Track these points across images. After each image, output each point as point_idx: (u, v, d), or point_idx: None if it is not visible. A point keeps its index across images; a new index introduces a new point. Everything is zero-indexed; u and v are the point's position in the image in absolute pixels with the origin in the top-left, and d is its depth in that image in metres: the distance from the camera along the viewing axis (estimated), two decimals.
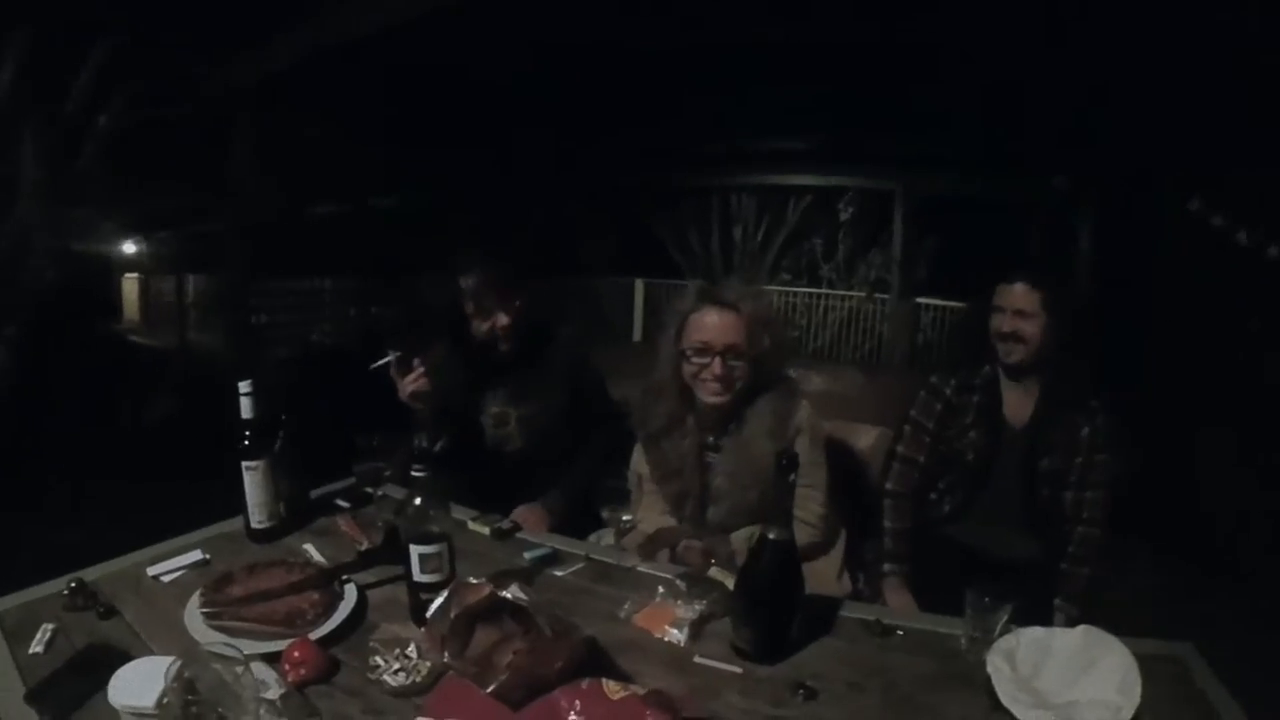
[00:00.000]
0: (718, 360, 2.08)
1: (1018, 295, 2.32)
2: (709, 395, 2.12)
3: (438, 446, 2.36)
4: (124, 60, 5.13)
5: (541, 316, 2.65)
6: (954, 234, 9.10)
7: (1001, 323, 2.34)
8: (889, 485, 2.52)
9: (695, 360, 2.12)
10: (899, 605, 2.30)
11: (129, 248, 10.90)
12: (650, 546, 2.10)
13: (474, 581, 1.36)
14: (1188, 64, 4.88)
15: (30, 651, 1.42)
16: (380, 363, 2.37)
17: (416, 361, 2.37)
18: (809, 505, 2.14)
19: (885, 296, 10.09)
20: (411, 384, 2.35)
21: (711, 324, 2.12)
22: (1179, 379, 5.36)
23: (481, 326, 2.49)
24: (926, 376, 2.59)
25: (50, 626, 1.48)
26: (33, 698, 1.28)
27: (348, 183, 9.19)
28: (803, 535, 1.99)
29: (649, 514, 2.30)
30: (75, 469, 4.87)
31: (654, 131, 8.19)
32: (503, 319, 2.48)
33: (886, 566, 2.42)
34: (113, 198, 7.00)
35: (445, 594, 1.34)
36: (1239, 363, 4.84)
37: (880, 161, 9.10)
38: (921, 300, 9.87)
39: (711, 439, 2.23)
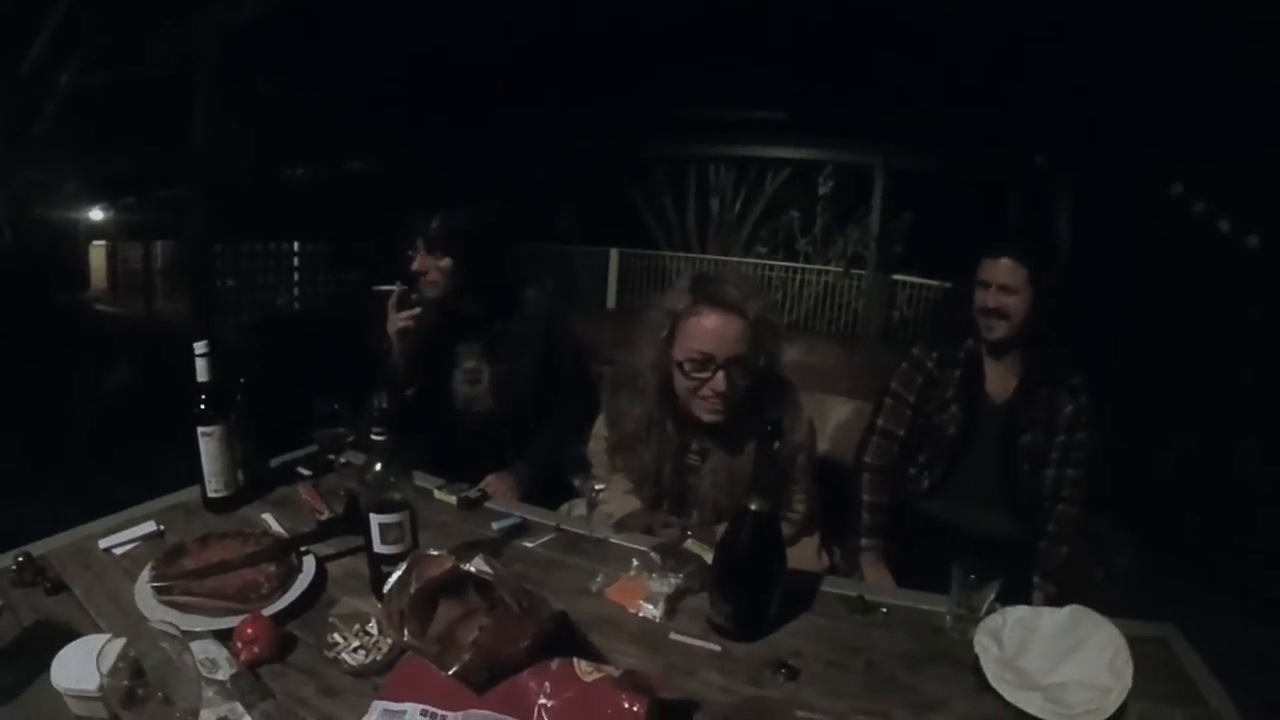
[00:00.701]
0: (720, 375, 1.85)
1: (1003, 270, 2.29)
2: (706, 413, 1.91)
3: (406, 396, 2.41)
4: (81, 19, 4.99)
5: (516, 277, 2.63)
6: (932, 210, 9.14)
7: (986, 298, 2.31)
8: (867, 459, 2.49)
9: (694, 375, 1.88)
10: (876, 580, 2.29)
11: (95, 214, 10.72)
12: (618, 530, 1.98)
13: (434, 553, 1.28)
14: (1173, 47, 4.87)
15: None
16: (385, 287, 2.38)
17: (415, 298, 2.39)
18: (796, 505, 2.09)
19: (861, 272, 10.09)
20: (403, 320, 2.36)
21: (713, 330, 1.85)
22: (1157, 361, 5.38)
23: (421, 273, 2.45)
24: (905, 350, 2.57)
25: None
26: None
27: (316, 145, 9.07)
28: (786, 528, 1.86)
29: (614, 493, 2.10)
30: (34, 441, 4.78)
31: (630, 99, 8.13)
32: (433, 270, 2.44)
33: (864, 541, 2.40)
34: (75, 161, 6.87)
35: (402, 567, 1.26)
36: (1219, 346, 4.85)
37: (860, 136, 9.09)
38: (898, 277, 9.89)
39: (695, 444, 2.06)
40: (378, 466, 1.47)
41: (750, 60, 6.79)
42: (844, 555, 2.41)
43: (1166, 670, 1.38)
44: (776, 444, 1.41)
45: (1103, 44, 5.12)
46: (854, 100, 7.74)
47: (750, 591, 1.46)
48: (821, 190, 10.19)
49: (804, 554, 2.12)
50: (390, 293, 2.37)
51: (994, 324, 2.30)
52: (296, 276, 10.21)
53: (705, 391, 1.87)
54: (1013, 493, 2.39)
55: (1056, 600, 2.08)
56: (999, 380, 2.39)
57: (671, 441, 2.03)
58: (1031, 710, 1.22)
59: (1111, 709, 1.21)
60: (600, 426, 2.21)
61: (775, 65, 6.91)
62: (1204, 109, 5.04)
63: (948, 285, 8.07)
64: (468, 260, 2.44)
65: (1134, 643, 1.30)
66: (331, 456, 2.16)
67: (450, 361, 2.58)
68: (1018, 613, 1.42)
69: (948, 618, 1.50)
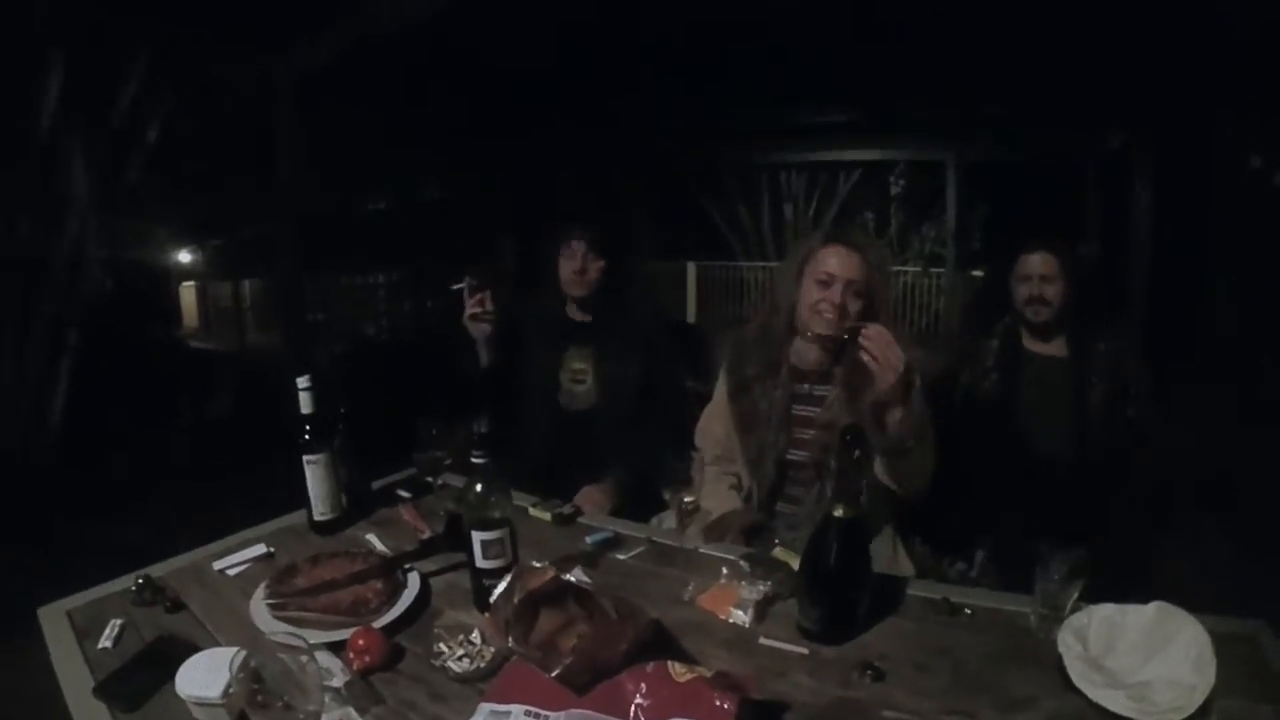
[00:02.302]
0: (838, 288, 2.08)
1: (1038, 263, 2.54)
2: (823, 327, 2.09)
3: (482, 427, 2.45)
4: (164, 69, 5.21)
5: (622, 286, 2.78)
6: (1008, 202, 8.92)
7: (1029, 290, 2.55)
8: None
9: (818, 293, 2.11)
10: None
11: (184, 256, 11.11)
12: (716, 530, 2.11)
13: (537, 565, 1.36)
14: (1238, 14, 4.72)
15: (99, 646, 1.45)
16: (458, 285, 2.49)
17: (482, 285, 2.49)
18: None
19: (940, 270, 9.91)
20: (475, 305, 2.48)
21: (836, 258, 2.11)
22: (1242, 346, 5.20)
23: (567, 269, 2.63)
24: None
25: (119, 622, 1.52)
26: (102, 691, 1.31)
27: (394, 175, 9.25)
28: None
29: (713, 494, 2.29)
30: (141, 472, 4.99)
31: (697, 108, 8.10)
32: (580, 264, 2.61)
33: None
34: (166, 206, 7.15)
35: (508, 579, 1.33)
36: None
37: (930, 132, 8.92)
38: (977, 273, 9.68)
39: (806, 387, 2.22)
40: (478, 487, 1.53)
41: (815, 63, 6.74)
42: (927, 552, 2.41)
43: (1254, 667, 1.35)
44: (858, 452, 1.43)
45: (1166, 15, 4.97)
46: (921, 96, 7.60)
47: (837, 596, 1.48)
48: (894, 190, 10.05)
49: (886, 556, 2.16)
50: (462, 290, 2.48)
51: (1039, 309, 2.54)
52: (383, 306, 10.43)
53: (824, 305, 2.09)
54: (1082, 443, 2.52)
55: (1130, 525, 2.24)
56: (1041, 346, 2.62)
57: (784, 386, 2.20)
58: (1116, 709, 1.21)
59: (1195, 706, 1.20)
60: (718, 393, 2.39)
61: (840, 66, 6.83)
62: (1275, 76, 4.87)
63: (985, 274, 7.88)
64: (620, 262, 2.71)
65: (1221, 639, 1.28)
66: (430, 479, 2.24)
67: (557, 362, 2.69)
68: (1103, 611, 1.40)
69: (1032, 618, 1.49)
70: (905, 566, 2.19)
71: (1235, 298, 5.57)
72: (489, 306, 2.48)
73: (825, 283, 2.10)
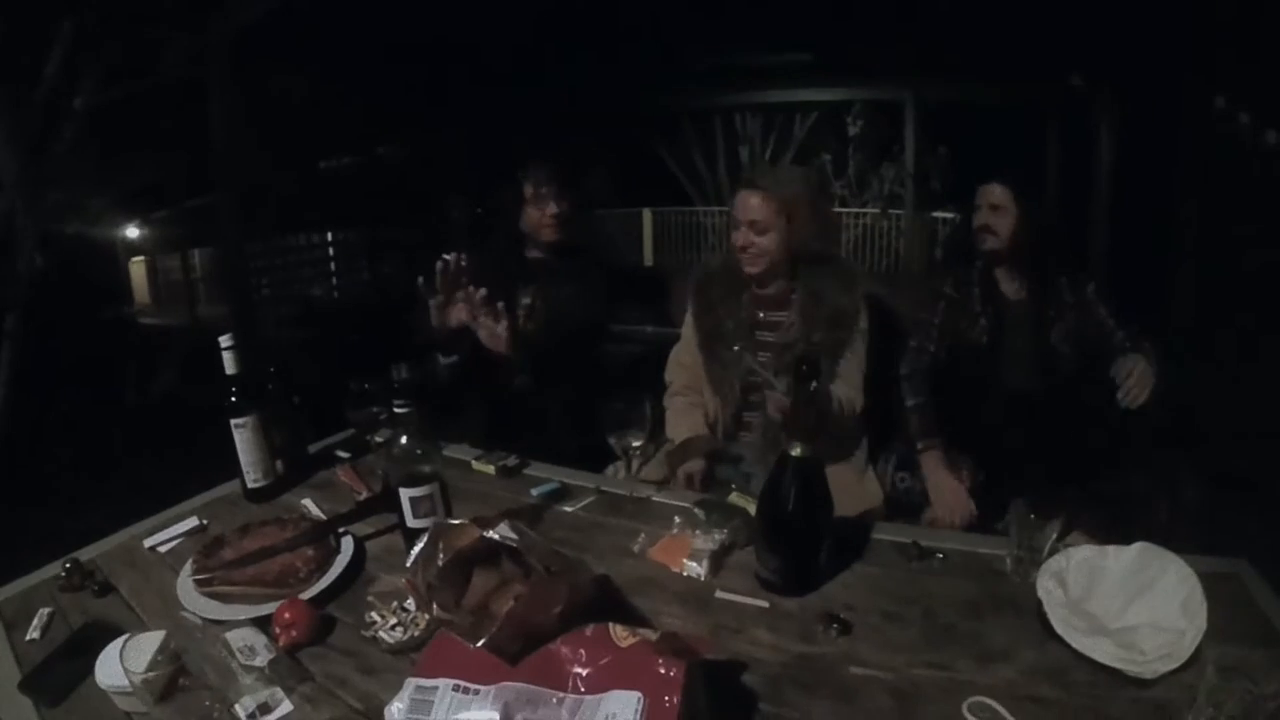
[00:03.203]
0: (743, 230, 2.27)
1: (989, 194, 2.53)
2: (746, 266, 2.31)
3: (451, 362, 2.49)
4: (90, 37, 5.02)
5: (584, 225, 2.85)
6: (969, 143, 8.90)
7: (979, 218, 2.54)
8: (902, 370, 2.59)
9: (735, 236, 2.31)
10: (938, 483, 2.35)
11: (130, 231, 10.90)
12: (680, 454, 2.30)
13: (456, 523, 1.25)
14: None
15: (27, 638, 1.38)
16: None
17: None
18: (853, 376, 2.31)
19: (900, 212, 9.90)
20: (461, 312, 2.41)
21: (741, 203, 2.29)
22: (1214, 286, 5.20)
23: (535, 214, 2.63)
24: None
25: (47, 611, 1.46)
26: (26, 685, 1.25)
27: (339, 135, 9.10)
28: (848, 398, 2.26)
29: (681, 423, 2.46)
30: (83, 455, 4.89)
31: (648, 52, 8.00)
32: (554, 207, 2.61)
33: (919, 445, 2.46)
34: (100, 179, 6.95)
35: (423, 539, 1.22)
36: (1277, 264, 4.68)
37: (887, 71, 8.88)
38: (937, 214, 9.68)
39: (762, 314, 2.39)
40: (403, 440, 1.46)
41: (770, 2, 6.65)
42: (907, 476, 2.51)
43: (1240, 608, 1.30)
44: (814, 384, 1.35)
45: None
46: (877, 35, 7.56)
47: (797, 543, 1.41)
48: (852, 131, 9.94)
49: (848, 484, 2.26)
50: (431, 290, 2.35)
51: (985, 238, 2.51)
52: (333, 266, 10.33)
53: (739, 246, 2.29)
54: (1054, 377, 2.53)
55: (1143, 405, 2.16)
56: (1010, 289, 2.58)
57: (748, 309, 2.40)
58: (1101, 658, 1.16)
59: (1187, 653, 1.14)
60: (687, 322, 2.56)
61: (795, 5, 6.75)
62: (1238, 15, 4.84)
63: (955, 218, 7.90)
64: (581, 203, 2.75)
65: (1205, 579, 1.23)
66: (368, 437, 2.15)
67: (514, 303, 2.65)
68: (1082, 553, 1.35)
69: (1008, 561, 1.44)
70: (873, 489, 2.35)
71: (1201, 236, 5.58)
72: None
73: (736, 225, 2.30)
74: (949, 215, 9.40)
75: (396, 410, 1.45)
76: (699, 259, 10.60)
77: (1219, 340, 4.74)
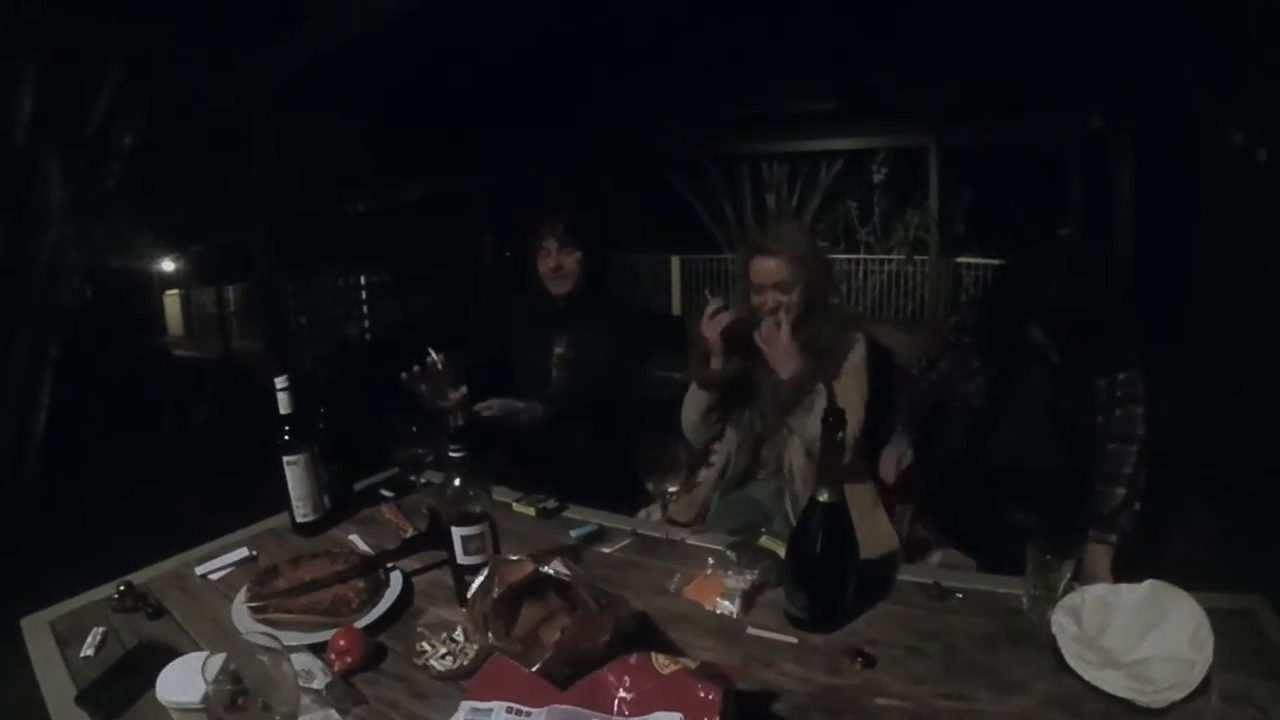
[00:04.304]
0: (768, 293, 2.31)
1: (1068, 246, 2.35)
2: (775, 326, 2.27)
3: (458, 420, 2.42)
4: (138, 77, 5.19)
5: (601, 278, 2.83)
6: (991, 186, 8.94)
7: (1054, 300, 2.29)
8: (899, 402, 2.60)
9: (755, 300, 2.34)
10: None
11: (167, 264, 11.10)
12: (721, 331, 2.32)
13: (514, 559, 1.33)
14: None
15: (81, 655, 1.44)
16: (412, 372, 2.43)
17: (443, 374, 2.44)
18: (854, 406, 2.24)
19: (924, 257, 9.90)
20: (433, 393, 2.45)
21: (757, 267, 2.34)
22: (1231, 319, 5.21)
23: (542, 265, 2.70)
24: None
25: (100, 630, 1.51)
26: (83, 699, 1.29)
27: (372, 176, 9.24)
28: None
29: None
30: (123, 479, 4.97)
31: (677, 100, 8.09)
32: (555, 260, 2.68)
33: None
34: (143, 214, 7.13)
35: (484, 573, 1.31)
36: None
37: (910, 118, 8.94)
38: (962, 259, 9.68)
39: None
40: (457, 482, 1.52)
41: (793, 52, 6.73)
42: (924, 528, 2.47)
43: (1252, 641, 1.34)
44: (840, 435, 1.42)
45: None
46: (902, 82, 7.63)
47: (824, 582, 1.47)
48: (876, 177, 10.01)
49: (871, 529, 2.21)
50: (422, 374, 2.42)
51: (1057, 304, 2.28)
52: (365, 308, 10.43)
53: (762, 309, 2.32)
54: (1069, 444, 2.37)
55: (1117, 549, 2.12)
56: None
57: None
58: (1112, 689, 1.20)
59: (1195, 683, 1.18)
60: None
61: (818, 55, 6.84)
62: (1251, 53, 4.87)
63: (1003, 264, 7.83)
64: (596, 253, 2.76)
65: (1218, 614, 1.28)
66: (412, 477, 2.20)
67: (547, 348, 2.75)
68: (1096, 590, 1.40)
69: (1025, 599, 1.49)
70: (885, 530, 2.30)
71: (1219, 275, 5.58)
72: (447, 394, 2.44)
73: (760, 290, 2.33)
74: (975, 261, 9.42)
75: (451, 454, 1.52)
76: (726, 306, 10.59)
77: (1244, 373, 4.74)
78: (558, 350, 2.76)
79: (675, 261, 11.57)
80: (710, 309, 2.35)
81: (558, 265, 2.69)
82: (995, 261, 9.16)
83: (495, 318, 2.74)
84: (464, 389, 2.42)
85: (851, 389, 2.27)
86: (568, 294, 2.73)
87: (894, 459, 2.46)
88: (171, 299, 12.47)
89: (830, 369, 2.26)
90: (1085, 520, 2.23)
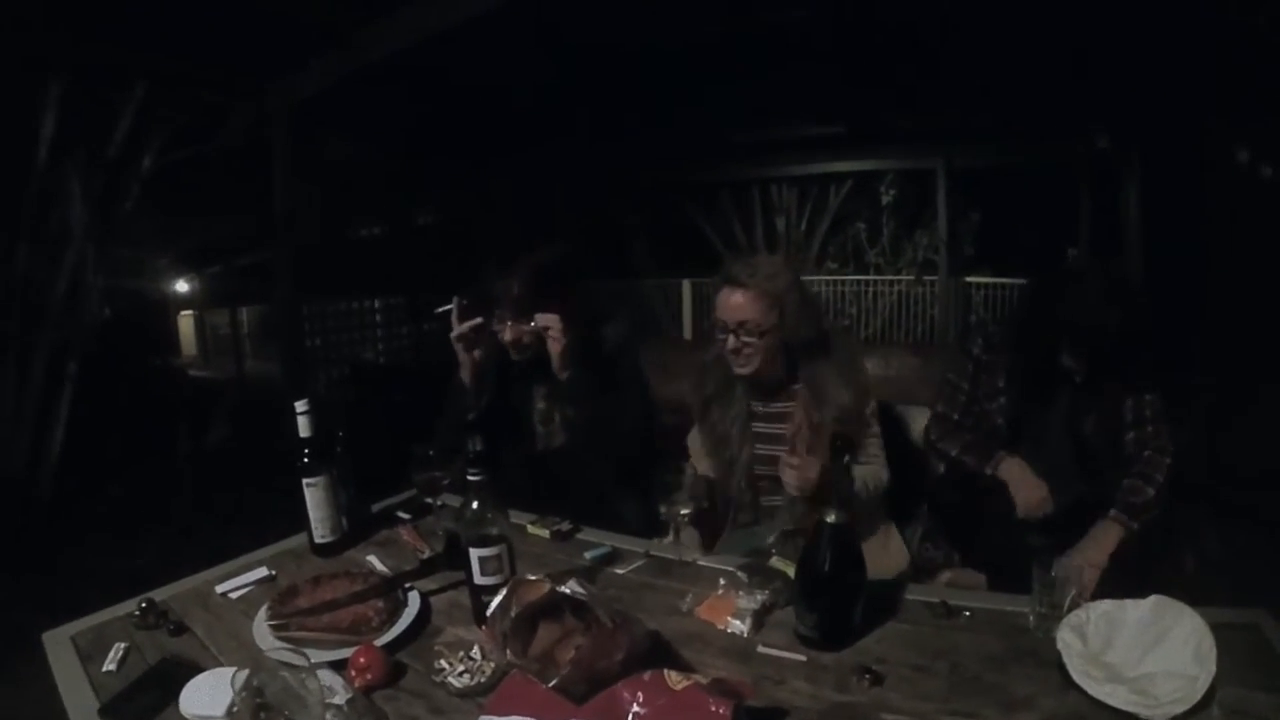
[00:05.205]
0: (731, 336, 2.18)
1: (1105, 267, 2.38)
2: (735, 367, 2.23)
3: (469, 421, 2.41)
4: (159, 101, 5.28)
5: (589, 318, 2.55)
6: (999, 207, 8.96)
7: (1093, 317, 2.23)
8: (932, 436, 2.53)
9: (719, 335, 2.23)
10: (1019, 479, 2.29)
11: (182, 285, 11.20)
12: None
13: (532, 579, 1.37)
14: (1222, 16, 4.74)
15: (104, 669, 1.47)
16: (444, 308, 2.44)
17: (473, 308, 2.42)
18: (875, 454, 2.27)
19: (934, 278, 9.90)
20: (463, 326, 2.40)
21: (724, 302, 2.22)
22: (1241, 341, 5.21)
23: (504, 336, 2.46)
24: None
25: (123, 645, 1.54)
26: (107, 713, 1.32)
27: (387, 202, 9.32)
28: (874, 475, 2.22)
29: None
30: (143, 497, 5.02)
31: (686, 124, 8.13)
32: (509, 334, 2.44)
33: (989, 469, 2.36)
34: (162, 235, 7.22)
35: (503, 592, 1.34)
36: None
37: (918, 140, 8.96)
38: (971, 280, 9.68)
39: (760, 406, 2.34)
40: (475, 504, 1.55)
41: (802, 76, 6.76)
42: (934, 548, 2.47)
43: (1257, 656, 1.36)
44: (847, 458, 1.45)
45: (1150, 18, 4.98)
46: (908, 105, 7.64)
47: (833, 602, 1.50)
48: (885, 199, 10.00)
49: (887, 552, 2.27)
50: (449, 312, 2.42)
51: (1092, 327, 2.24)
52: (379, 331, 10.47)
53: (728, 349, 2.21)
54: (1084, 465, 2.38)
55: (1135, 537, 2.14)
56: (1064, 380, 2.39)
57: (742, 403, 2.34)
58: (1117, 704, 1.22)
59: (1197, 697, 1.20)
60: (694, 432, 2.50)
61: (827, 79, 6.86)
62: (1259, 69, 4.88)
63: (1023, 284, 7.80)
64: (568, 315, 2.39)
65: (1224, 629, 1.30)
66: (429, 500, 2.21)
67: (528, 402, 2.60)
68: (1101, 607, 1.41)
69: (1031, 617, 1.51)
70: (897, 551, 2.31)
71: (1229, 292, 5.58)
72: (472, 330, 2.41)
73: (724, 328, 2.21)
74: (984, 281, 9.43)
75: (470, 478, 1.55)
76: None
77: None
78: (540, 406, 2.59)
79: (687, 285, 11.55)
80: None
81: (516, 337, 2.44)
82: (1005, 281, 9.18)
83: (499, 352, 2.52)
84: (477, 321, 2.40)
85: (872, 437, 2.27)
86: (531, 359, 2.50)
87: None
88: (185, 320, 12.58)
89: (851, 425, 2.17)
90: (1105, 503, 2.24)
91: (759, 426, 2.33)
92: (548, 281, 2.44)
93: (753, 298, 2.16)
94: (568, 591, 1.29)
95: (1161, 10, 4.86)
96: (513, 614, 1.29)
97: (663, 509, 1.87)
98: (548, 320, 2.36)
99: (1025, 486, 2.26)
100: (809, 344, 2.24)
